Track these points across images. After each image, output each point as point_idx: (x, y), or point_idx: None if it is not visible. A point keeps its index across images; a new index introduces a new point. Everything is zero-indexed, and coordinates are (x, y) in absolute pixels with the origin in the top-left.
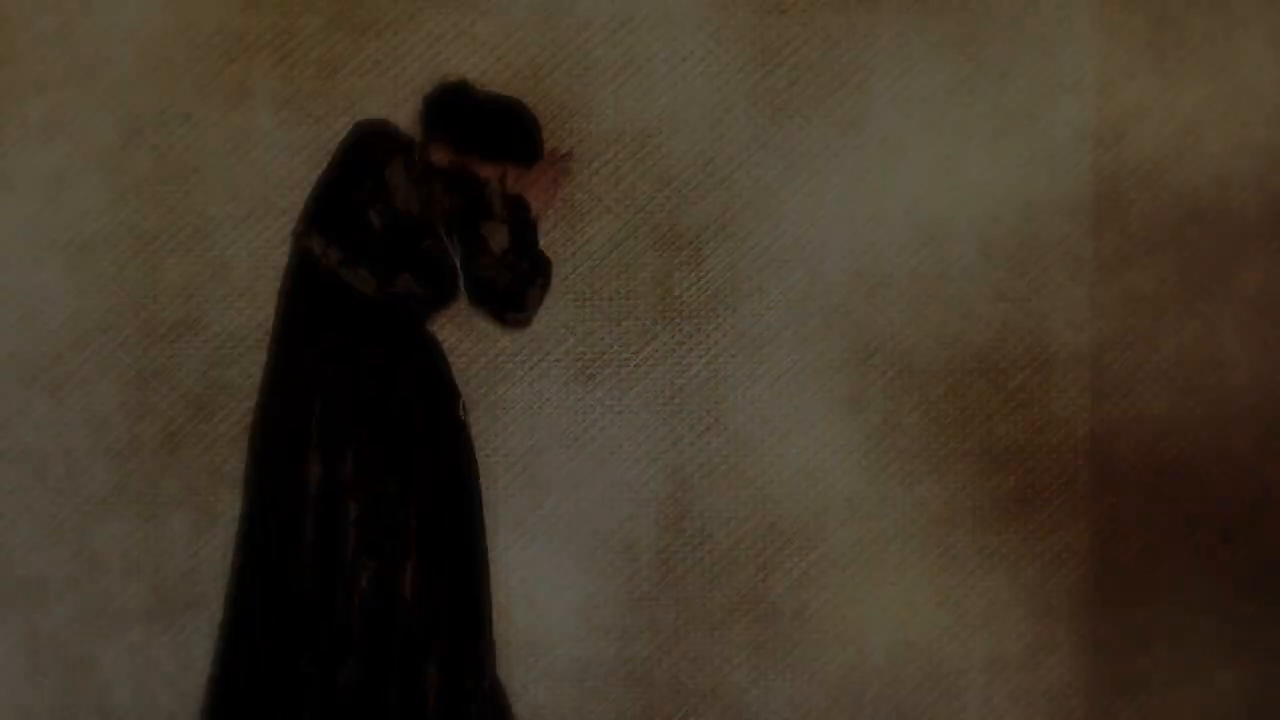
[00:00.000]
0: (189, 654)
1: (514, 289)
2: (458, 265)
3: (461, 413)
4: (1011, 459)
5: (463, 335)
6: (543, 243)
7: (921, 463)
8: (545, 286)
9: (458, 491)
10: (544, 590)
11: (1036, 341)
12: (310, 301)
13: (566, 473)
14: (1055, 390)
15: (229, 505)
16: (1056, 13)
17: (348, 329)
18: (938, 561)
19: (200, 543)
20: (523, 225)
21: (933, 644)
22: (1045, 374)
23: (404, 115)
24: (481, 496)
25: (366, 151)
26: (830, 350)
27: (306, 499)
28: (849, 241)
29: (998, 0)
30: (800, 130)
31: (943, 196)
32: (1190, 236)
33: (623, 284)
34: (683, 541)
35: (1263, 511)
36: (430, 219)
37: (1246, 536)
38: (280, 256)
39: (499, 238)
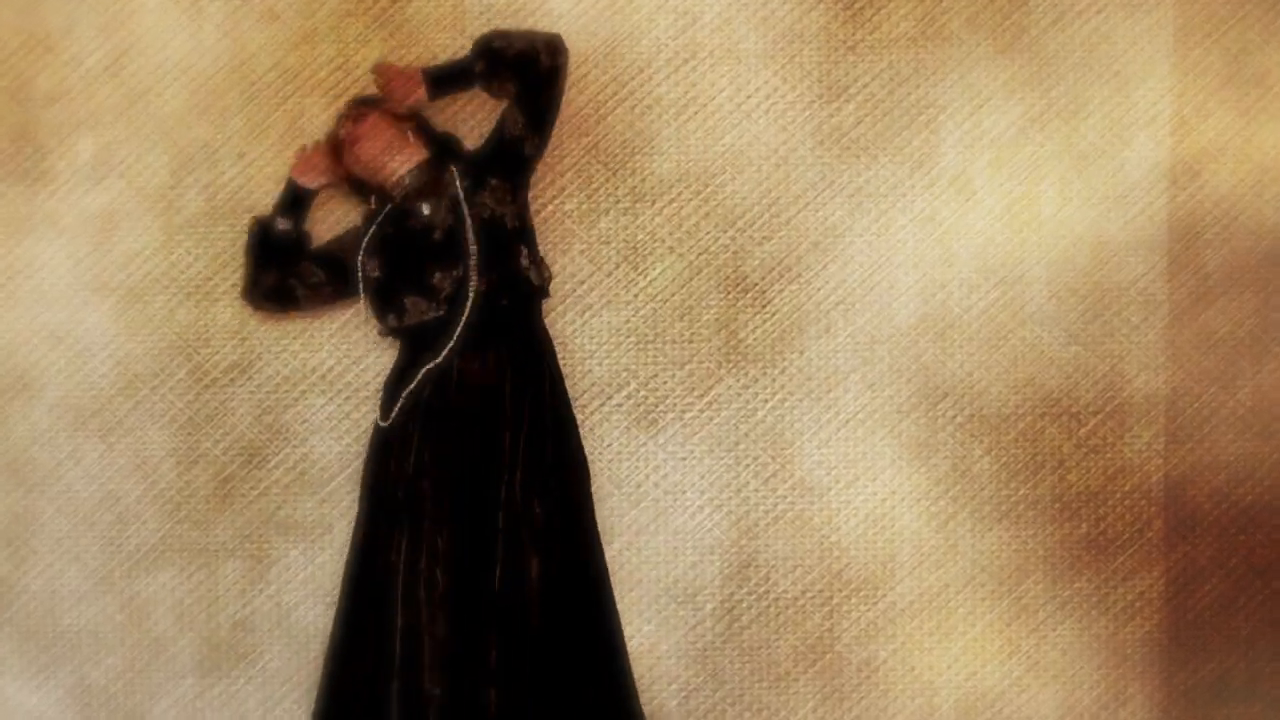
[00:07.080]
0: (242, 707)
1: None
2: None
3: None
4: (1084, 506)
5: None
6: (606, 283)
7: (992, 510)
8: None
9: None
10: None
11: (1110, 386)
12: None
13: (628, 520)
14: (1129, 436)
15: (282, 553)
16: (1131, 49)
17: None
18: (1008, 611)
19: (253, 592)
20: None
21: (1003, 696)
22: (1119, 419)
23: None
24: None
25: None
26: (899, 394)
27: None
28: (918, 283)
29: (1070, 36)
30: (867, 169)
31: (1013, 237)
32: (1268, 277)
33: (686, 327)
34: (747, 590)
35: None
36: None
37: None
38: None
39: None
